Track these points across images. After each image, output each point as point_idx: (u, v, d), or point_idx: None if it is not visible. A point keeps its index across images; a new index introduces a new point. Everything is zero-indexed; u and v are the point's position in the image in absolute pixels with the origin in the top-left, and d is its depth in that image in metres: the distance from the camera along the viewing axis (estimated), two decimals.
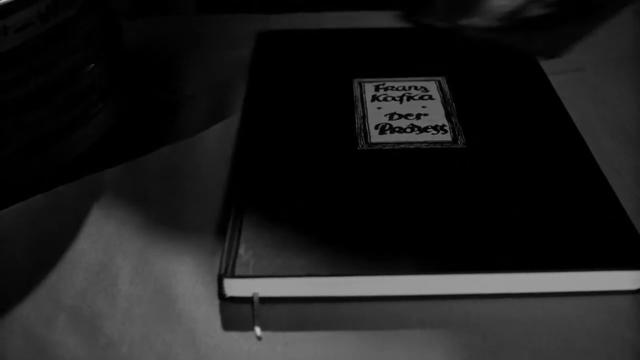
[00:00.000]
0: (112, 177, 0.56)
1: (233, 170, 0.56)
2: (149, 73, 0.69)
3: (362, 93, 0.62)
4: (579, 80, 0.67)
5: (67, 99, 0.54)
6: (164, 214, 0.53)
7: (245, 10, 0.80)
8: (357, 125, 0.58)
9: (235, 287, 0.45)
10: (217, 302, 0.46)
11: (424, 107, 0.60)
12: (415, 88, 0.63)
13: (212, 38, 0.75)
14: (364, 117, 0.59)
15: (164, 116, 0.64)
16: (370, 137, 0.57)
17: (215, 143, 0.59)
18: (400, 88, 0.63)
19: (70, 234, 0.51)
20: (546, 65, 0.67)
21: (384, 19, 0.77)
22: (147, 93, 0.65)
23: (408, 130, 0.57)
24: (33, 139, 0.53)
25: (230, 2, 0.87)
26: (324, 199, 0.51)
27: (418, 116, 0.59)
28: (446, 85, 0.63)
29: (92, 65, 0.56)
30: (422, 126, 0.58)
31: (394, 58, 0.68)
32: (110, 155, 0.58)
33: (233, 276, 0.45)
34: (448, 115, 0.59)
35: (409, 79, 0.64)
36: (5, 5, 0.48)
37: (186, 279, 0.47)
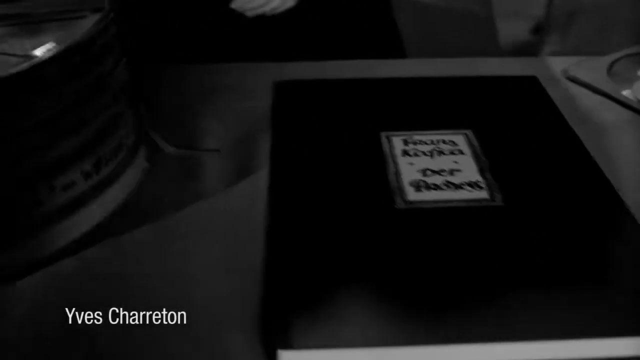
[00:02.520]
0: (139, 237, 0.54)
1: (269, 235, 0.54)
2: (166, 126, 0.67)
3: (391, 147, 0.61)
4: (601, 133, 0.67)
5: (97, 159, 0.52)
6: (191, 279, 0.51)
7: (248, 59, 0.79)
8: (391, 183, 0.57)
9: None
10: None
11: (455, 162, 0.59)
12: (444, 142, 0.62)
13: (226, 88, 0.74)
14: (397, 173, 0.58)
15: (190, 173, 0.62)
16: (407, 195, 0.56)
17: (243, 200, 0.58)
18: (429, 142, 0.62)
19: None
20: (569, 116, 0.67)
21: (402, 67, 0.76)
22: (171, 148, 0.63)
23: (444, 187, 0.56)
24: (64, 202, 0.51)
25: (217, 51, 0.86)
26: (372, 263, 0.49)
27: (451, 172, 0.58)
28: (474, 139, 0.62)
29: (121, 123, 0.55)
30: (457, 182, 0.57)
31: (416, 108, 0.68)
32: (136, 215, 0.56)
33: (288, 347, 0.43)
34: (481, 171, 0.58)
35: (436, 132, 0.63)
36: None
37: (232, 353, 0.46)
